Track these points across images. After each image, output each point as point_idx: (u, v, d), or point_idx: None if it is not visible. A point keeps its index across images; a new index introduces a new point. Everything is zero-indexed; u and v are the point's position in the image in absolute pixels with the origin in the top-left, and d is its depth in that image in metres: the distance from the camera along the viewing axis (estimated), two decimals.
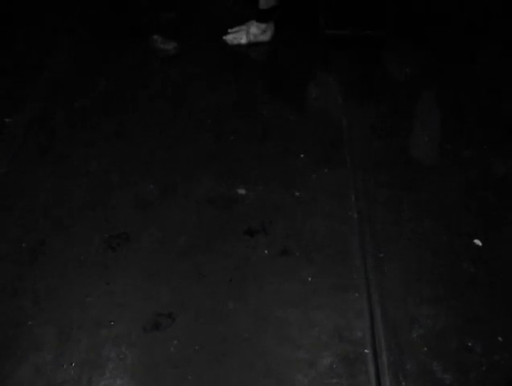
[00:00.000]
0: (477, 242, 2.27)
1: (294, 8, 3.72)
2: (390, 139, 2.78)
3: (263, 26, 3.49)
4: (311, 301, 2.07)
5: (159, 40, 3.40)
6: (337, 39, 3.55)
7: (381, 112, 2.98)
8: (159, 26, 3.49)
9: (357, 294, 2.08)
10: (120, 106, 2.98)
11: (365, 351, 1.93)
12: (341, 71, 3.31)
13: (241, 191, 2.43)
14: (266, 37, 3.51)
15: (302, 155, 2.63)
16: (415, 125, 2.98)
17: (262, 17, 3.47)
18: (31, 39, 3.52)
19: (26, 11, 3.76)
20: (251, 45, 3.48)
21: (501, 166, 2.62)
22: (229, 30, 3.56)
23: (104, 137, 2.75)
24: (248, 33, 3.48)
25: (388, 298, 2.07)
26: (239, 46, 3.48)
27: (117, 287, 2.10)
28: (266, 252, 2.22)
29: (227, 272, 2.15)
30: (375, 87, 3.23)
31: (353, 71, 3.33)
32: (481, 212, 2.40)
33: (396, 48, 3.56)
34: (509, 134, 2.82)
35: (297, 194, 2.43)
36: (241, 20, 3.56)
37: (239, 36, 3.50)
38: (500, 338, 1.95)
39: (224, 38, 3.52)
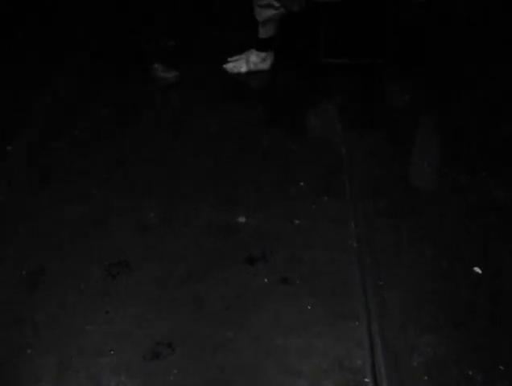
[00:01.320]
0: (477, 269, 2.27)
1: (293, 37, 3.76)
2: (389, 166, 2.79)
3: (263, 54, 3.52)
4: (311, 329, 2.06)
5: (160, 69, 3.44)
6: (337, 67, 3.59)
7: (381, 140, 2.99)
8: (160, 55, 3.52)
9: (357, 323, 2.08)
10: (120, 133, 3.00)
11: (366, 379, 1.92)
12: (341, 98, 3.34)
13: (241, 219, 2.44)
14: (265, 65, 3.55)
15: (301, 183, 2.64)
16: (415, 151, 3.00)
17: (261, 46, 3.51)
18: (32, 65, 3.55)
19: (27, 37, 3.80)
20: (251, 73, 3.51)
21: (501, 192, 2.63)
22: (229, 59, 3.60)
23: (104, 164, 2.76)
24: (248, 61, 3.52)
25: (388, 326, 2.06)
26: (239, 74, 3.51)
27: (117, 315, 2.09)
28: (266, 280, 2.22)
29: (227, 300, 2.15)
30: (374, 114, 3.25)
31: (353, 99, 3.35)
32: (481, 239, 2.40)
33: (395, 75, 3.59)
34: (509, 159, 2.83)
35: (297, 222, 2.43)
36: (240, 49, 3.59)
37: (239, 65, 3.53)
38: (501, 367, 1.94)
39: (224, 66, 3.55)
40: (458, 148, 2.92)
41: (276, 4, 3.39)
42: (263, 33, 3.47)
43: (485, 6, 4.26)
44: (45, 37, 3.78)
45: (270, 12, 3.40)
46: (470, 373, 1.93)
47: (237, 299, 2.15)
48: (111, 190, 2.60)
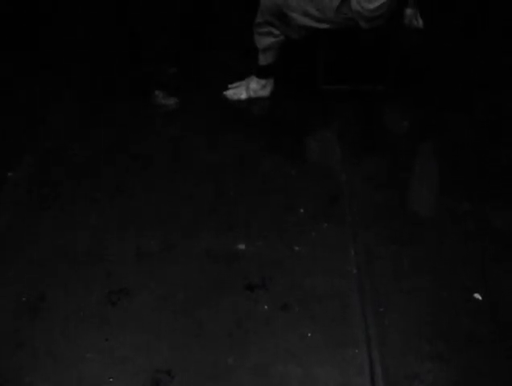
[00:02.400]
0: (477, 296, 2.27)
1: (293, 64, 3.79)
2: (389, 193, 2.80)
3: (263, 81, 3.55)
4: (312, 356, 2.06)
5: (161, 96, 3.46)
6: (336, 93, 3.61)
7: (381, 166, 3.01)
8: (161, 81, 3.54)
9: (357, 350, 2.07)
10: (121, 160, 3.01)
11: None
12: (340, 125, 3.36)
13: (241, 246, 2.44)
14: (265, 92, 3.57)
15: (301, 210, 2.65)
16: (414, 178, 3.01)
17: (261, 72, 3.54)
18: (32, 93, 3.58)
19: (26, 64, 3.83)
20: (251, 100, 3.54)
21: (500, 219, 2.63)
22: (230, 86, 3.62)
23: (104, 191, 2.77)
24: (248, 88, 3.54)
25: (388, 354, 2.06)
26: (239, 101, 3.53)
27: (117, 343, 2.09)
28: (266, 307, 2.22)
29: (227, 327, 2.15)
30: (374, 141, 3.27)
31: (352, 125, 3.37)
32: (481, 266, 2.40)
33: (395, 102, 3.61)
34: (508, 186, 2.85)
35: (297, 249, 2.44)
36: (241, 75, 3.62)
37: (239, 91, 3.56)
38: None
39: (224, 93, 3.57)
40: (457, 174, 2.93)
41: (276, 32, 3.42)
42: (263, 60, 3.50)
43: (483, 31, 4.31)
44: (45, 64, 3.81)
45: (269, 40, 3.43)
46: None
47: (237, 326, 2.15)
48: (111, 217, 2.61)
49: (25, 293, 2.26)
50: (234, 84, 3.63)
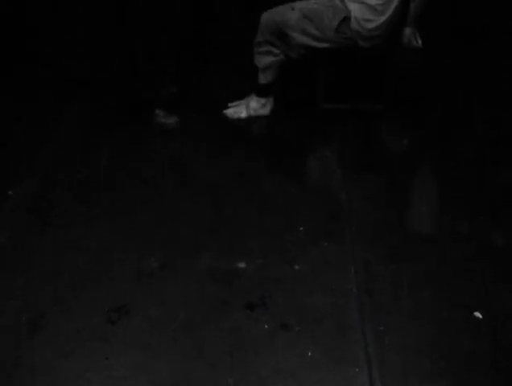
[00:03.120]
0: (478, 315, 2.26)
1: (293, 82, 3.80)
2: (388, 211, 2.80)
3: (263, 100, 3.56)
4: (312, 376, 2.05)
5: (161, 115, 3.47)
6: (336, 112, 3.62)
7: (380, 184, 3.02)
8: (161, 100, 3.55)
9: (357, 369, 2.07)
10: (121, 179, 3.02)
11: None
12: (340, 143, 3.37)
13: (241, 265, 2.44)
14: (265, 111, 3.58)
15: (301, 228, 2.65)
16: (414, 196, 3.02)
17: (261, 91, 3.55)
18: (33, 113, 3.60)
19: (26, 85, 3.85)
20: (251, 119, 3.55)
21: (500, 238, 2.64)
22: (230, 105, 3.64)
23: (105, 210, 2.78)
24: (248, 107, 3.56)
25: (388, 373, 2.06)
26: (239, 120, 3.55)
27: (117, 362, 2.09)
28: (266, 326, 2.21)
29: (227, 347, 2.14)
30: (373, 159, 3.28)
31: (352, 144, 3.38)
32: (481, 285, 2.40)
33: (394, 120, 3.63)
34: (507, 205, 2.85)
35: (297, 267, 2.44)
36: (241, 94, 3.64)
37: (239, 110, 3.57)
38: None
39: (224, 112, 3.59)
40: (457, 193, 2.94)
41: (276, 51, 3.44)
42: (263, 79, 3.52)
43: (482, 48, 4.33)
44: (45, 84, 3.83)
45: (269, 59, 3.46)
46: None
47: (237, 346, 2.15)
48: (111, 237, 2.61)
49: (25, 312, 2.26)
50: (234, 103, 3.64)
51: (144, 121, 3.42)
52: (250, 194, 2.89)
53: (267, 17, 3.42)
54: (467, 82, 4.05)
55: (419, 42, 3.45)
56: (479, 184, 3.00)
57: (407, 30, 3.38)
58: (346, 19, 3.33)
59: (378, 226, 2.70)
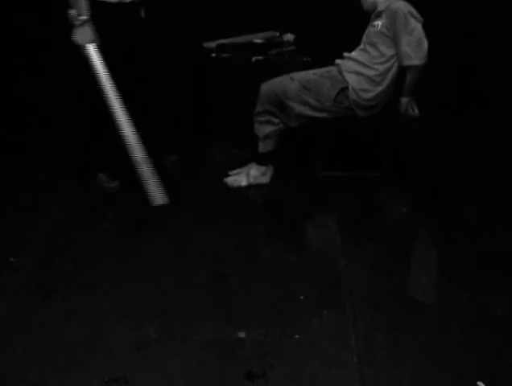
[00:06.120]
0: (481, 385, 2.24)
1: (292, 151, 3.87)
2: (388, 279, 2.81)
3: (263, 168, 3.61)
4: None
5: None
6: (335, 179, 3.67)
7: (379, 252, 3.03)
8: (162, 170, 3.58)
9: None
10: (121, 247, 3.03)
11: None
12: (339, 211, 3.40)
13: (241, 335, 2.42)
14: (265, 179, 3.63)
15: (301, 297, 2.65)
16: (413, 263, 3.02)
17: (261, 160, 3.60)
18: (34, 181, 3.65)
19: (28, 155, 3.92)
20: (251, 187, 3.59)
21: (501, 305, 2.63)
22: (230, 173, 3.69)
23: (104, 278, 2.77)
24: (248, 175, 3.60)
25: None
26: (239, 188, 3.58)
27: None
28: None
29: None
30: (373, 227, 3.30)
31: (351, 211, 3.41)
32: (483, 353, 2.38)
33: (392, 188, 3.67)
34: (506, 271, 2.86)
35: (297, 337, 2.42)
36: (241, 163, 3.69)
37: (239, 178, 3.61)
38: None
39: (225, 180, 3.63)
40: (457, 259, 2.95)
41: (275, 120, 3.51)
42: (263, 148, 3.58)
43: (481, 118, 4.42)
44: (46, 156, 3.87)
45: (269, 128, 3.52)
46: None
47: None
48: (111, 306, 2.60)
49: (22, 381, 2.23)
50: (235, 171, 3.69)
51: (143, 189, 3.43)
52: (250, 262, 2.90)
53: (267, 87, 3.50)
54: (466, 149, 4.12)
55: (416, 111, 3.51)
56: (479, 251, 3.01)
57: (404, 100, 3.45)
58: (344, 90, 3.41)
59: (378, 294, 2.70)
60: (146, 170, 3.34)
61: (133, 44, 3.32)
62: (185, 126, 4.42)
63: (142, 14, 3.38)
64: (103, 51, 3.19)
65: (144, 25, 3.38)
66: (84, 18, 3.08)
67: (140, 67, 3.44)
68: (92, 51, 3.17)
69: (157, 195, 3.37)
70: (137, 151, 3.30)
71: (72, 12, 3.08)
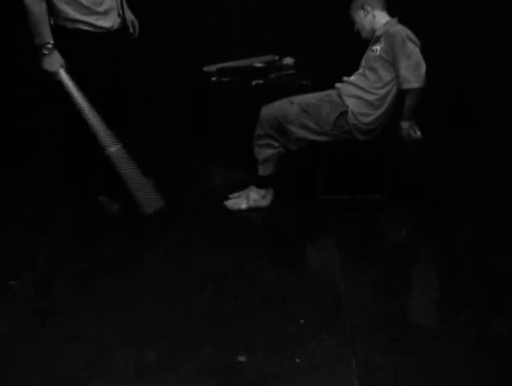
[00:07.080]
0: None
1: (292, 174, 3.88)
2: (388, 302, 2.80)
3: (263, 191, 3.62)
4: None
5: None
6: (335, 202, 3.67)
7: (379, 275, 3.03)
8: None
9: None
10: (121, 269, 3.03)
11: None
12: (339, 234, 3.40)
13: (242, 358, 2.41)
14: (265, 202, 3.63)
15: (302, 321, 2.64)
16: (413, 287, 3.02)
17: (261, 183, 3.61)
18: (34, 204, 3.66)
19: (27, 178, 3.93)
20: (251, 210, 3.59)
21: (501, 327, 2.62)
22: (230, 196, 3.69)
23: (105, 302, 2.77)
24: (248, 198, 3.61)
25: None
26: (239, 211, 3.59)
27: None
28: None
29: None
30: (373, 250, 3.30)
31: (351, 234, 3.41)
32: (483, 376, 2.36)
33: (392, 211, 3.67)
34: (507, 293, 2.86)
35: (297, 360, 2.41)
36: (241, 186, 3.70)
37: (239, 201, 3.62)
38: None
39: (225, 203, 3.64)
40: (457, 282, 2.95)
41: (275, 144, 3.52)
42: (263, 171, 3.59)
43: (483, 139, 4.44)
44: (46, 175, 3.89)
45: (269, 151, 3.53)
46: None
47: None
48: (111, 329, 2.59)
49: None
50: (235, 194, 3.70)
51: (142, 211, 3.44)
52: (250, 285, 2.90)
53: (267, 111, 3.52)
54: (468, 172, 4.13)
55: (418, 133, 3.50)
56: (479, 273, 3.02)
57: (405, 125, 3.45)
58: (344, 114, 3.43)
59: (378, 317, 2.69)
60: (134, 182, 3.32)
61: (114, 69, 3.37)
62: (184, 149, 4.44)
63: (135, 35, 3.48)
64: (84, 74, 3.20)
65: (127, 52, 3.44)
66: (49, 45, 3.09)
67: (121, 83, 3.47)
68: (64, 76, 3.17)
69: (149, 202, 3.36)
70: (123, 163, 3.30)
71: (36, 40, 3.08)
